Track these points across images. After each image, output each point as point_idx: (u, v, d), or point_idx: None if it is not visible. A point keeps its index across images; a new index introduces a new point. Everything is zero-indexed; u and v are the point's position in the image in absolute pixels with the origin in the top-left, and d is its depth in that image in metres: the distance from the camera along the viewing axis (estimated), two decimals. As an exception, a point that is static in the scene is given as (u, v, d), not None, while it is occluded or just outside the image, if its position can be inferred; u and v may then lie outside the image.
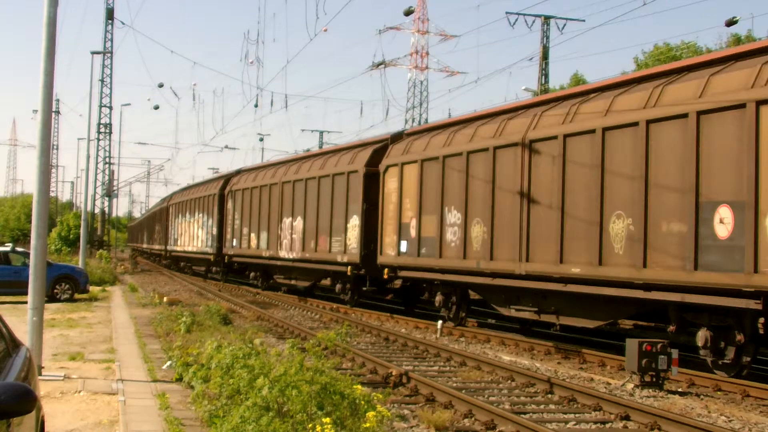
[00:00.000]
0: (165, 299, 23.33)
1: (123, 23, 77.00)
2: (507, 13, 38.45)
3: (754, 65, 11.83)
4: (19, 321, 13.95)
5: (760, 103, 11.25)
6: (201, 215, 40.30)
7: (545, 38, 38.40)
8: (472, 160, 17.81)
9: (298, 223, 26.99)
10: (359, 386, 7.27)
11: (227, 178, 37.97)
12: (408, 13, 34.82)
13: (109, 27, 53.78)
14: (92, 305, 23.25)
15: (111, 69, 55.27)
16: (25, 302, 11.56)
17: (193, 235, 42.09)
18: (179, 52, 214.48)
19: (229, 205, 35.35)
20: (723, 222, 11.71)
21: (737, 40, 40.90)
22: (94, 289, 28.13)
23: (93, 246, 52.60)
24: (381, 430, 6.84)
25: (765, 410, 10.69)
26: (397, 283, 22.73)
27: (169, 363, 11.98)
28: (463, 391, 10.98)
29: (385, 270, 21.20)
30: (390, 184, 21.31)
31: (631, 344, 11.92)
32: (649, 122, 13.06)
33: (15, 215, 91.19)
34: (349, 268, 22.73)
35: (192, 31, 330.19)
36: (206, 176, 64.08)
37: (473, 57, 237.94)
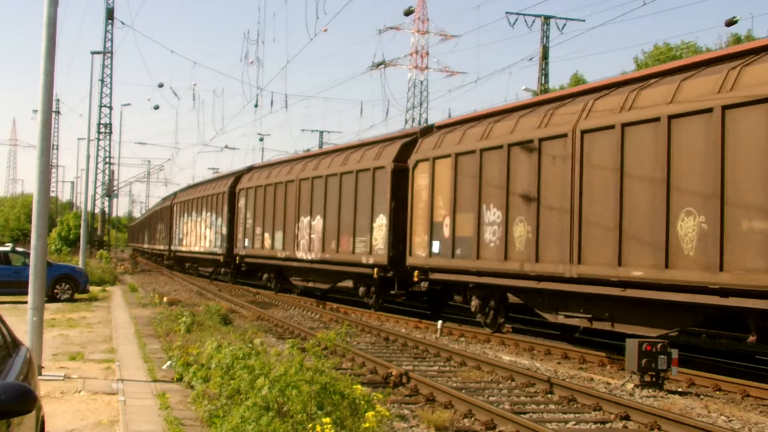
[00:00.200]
0: (165, 299, 23.33)
1: (123, 23, 76.99)
2: (507, 13, 38.55)
3: None
4: (19, 321, 13.96)
5: None
6: (209, 214, 38.74)
7: (545, 38, 38.41)
8: (513, 154, 16.42)
9: (318, 222, 25.62)
10: (359, 386, 7.28)
11: (238, 176, 36.08)
12: (408, 13, 34.92)
13: (109, 27, 53.76)
14: (92, 305, 23.25)
15: (111, 69, 55.29)
16: (25, 302, 11.57)
17: (200, 235, 40.38)
18: (179, 52, 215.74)
19: (241, 203, 33.67)
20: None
21: (737, 40, 40.89)
22: (94, 289, 28.14)
23: (93, 246, 52.60)
24: (381, 430, 6.85)
25: (765, 410, 10.69)
26: (424, 285, 21.17)
27: (169, 363, 11.98)
28: (463, 391, 10.98)
29: (415, 272, 20.02)
30: (420, 180, 20.06)
31: (631, 344, 11.89)
32: (725, 108, 11.61)
33: (15, 215, 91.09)
34: (375, 270, 21.51)
35: (192, 31, 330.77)
36: (206, 176, 63.97)
37: (473, 57, 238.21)
